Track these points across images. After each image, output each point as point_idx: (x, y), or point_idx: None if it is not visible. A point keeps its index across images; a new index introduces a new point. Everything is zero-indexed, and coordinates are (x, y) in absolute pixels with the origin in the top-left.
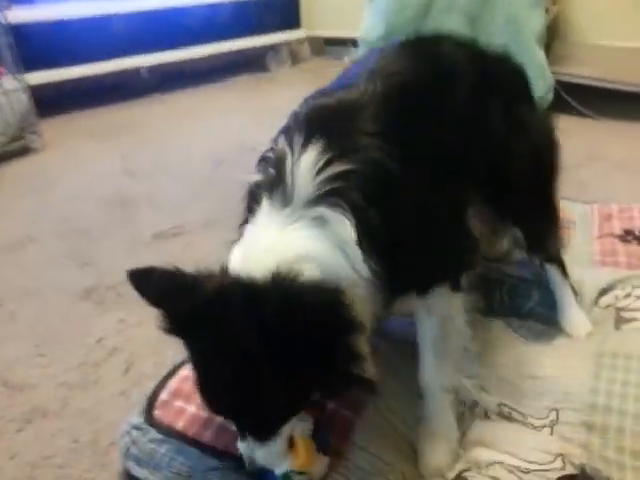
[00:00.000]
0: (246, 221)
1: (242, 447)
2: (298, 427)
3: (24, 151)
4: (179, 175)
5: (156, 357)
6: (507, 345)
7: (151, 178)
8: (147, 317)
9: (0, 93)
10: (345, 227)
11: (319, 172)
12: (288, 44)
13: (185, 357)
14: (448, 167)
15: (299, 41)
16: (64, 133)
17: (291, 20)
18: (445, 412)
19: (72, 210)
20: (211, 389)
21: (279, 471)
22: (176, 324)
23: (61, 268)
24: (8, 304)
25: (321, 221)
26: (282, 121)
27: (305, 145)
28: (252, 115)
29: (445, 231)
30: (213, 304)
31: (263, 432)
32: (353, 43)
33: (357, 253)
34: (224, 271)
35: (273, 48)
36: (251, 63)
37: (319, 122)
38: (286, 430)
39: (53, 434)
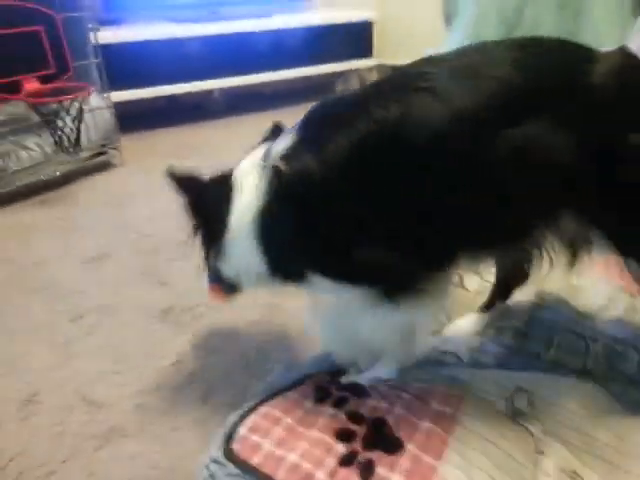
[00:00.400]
0: None
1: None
2: None
3: (105, 166)
4: None
5: (233, 388)
6: (608, 416)
7: None
8: (222, 344)
9: (87, 110)
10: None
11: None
12: (357, 71)
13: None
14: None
15: (368, 68)
16: (142, 150)
17: (363, 48)
18: None
19: (148, 228)
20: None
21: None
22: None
23: (137, 286)
24: (88, 318)
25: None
26: None
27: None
28: None
29: None
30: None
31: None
32: None
33: None
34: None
35: (342, 74)
36: (319, 89)
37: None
38: None
39: (131, 457)
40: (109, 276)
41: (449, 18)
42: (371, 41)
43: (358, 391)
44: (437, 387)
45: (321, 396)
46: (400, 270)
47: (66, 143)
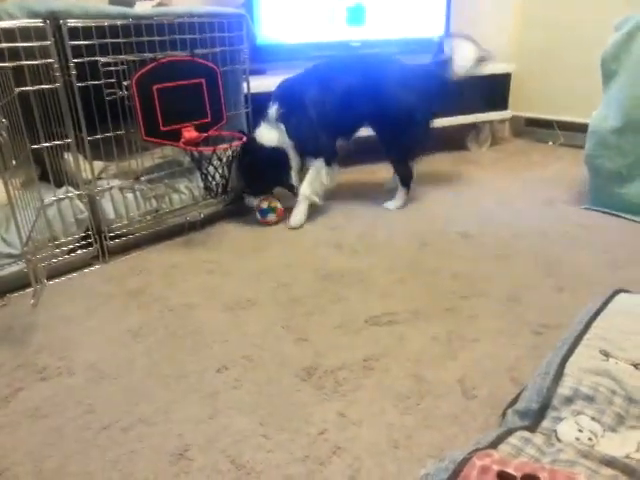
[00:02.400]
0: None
1: (249, 200)
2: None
3: (247, 210)
4: (384, 254)
5: (380, 469)
6: None
7: (357, 253)
8: (368, 415)
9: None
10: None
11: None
12: (490, 123)
13: None
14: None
15: (502, 121)
16: (283, 197)
17: (499, 100)
18: (302, 205)
19: (288, 277)
20: (250, 179)
21: (264, 205)
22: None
23: (279, 339)
24: (233, 371)
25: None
26: (479, 206)
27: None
28: (450, 195)
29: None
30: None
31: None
32: (558, 126)
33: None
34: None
35: (475, 127)
36: (451, 140)
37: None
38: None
39: None
40: (251, 325)
41: (608, 77)
42: (507, 93)
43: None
44: None
45: None
46: (330, 149)
47: (214, 188)
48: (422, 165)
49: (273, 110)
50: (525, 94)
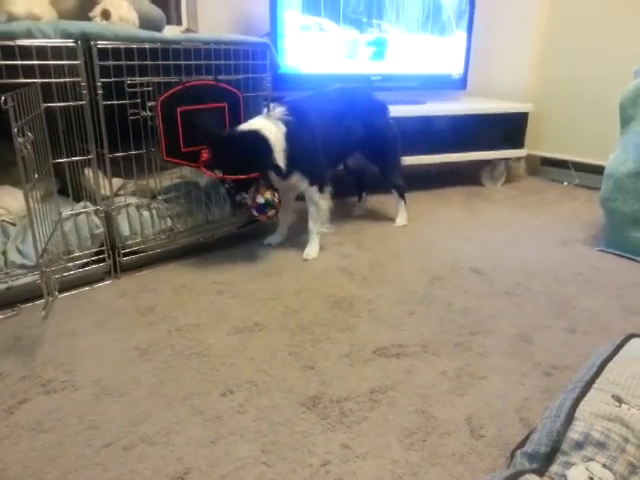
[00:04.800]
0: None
1: (241, 197)
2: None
3: (263, 233)
4: (394, 285)
5: None
6: None
7: (368, 282)
8: (373, 448)
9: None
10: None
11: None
12: (506, 160)
13: None
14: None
15: (517, 159)
16: (296, 225)
17: (515, 139)
18: (315, 240)
19: (297, 303)
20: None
21: (260, 200)
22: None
23: (286, 365)
24: (238, 395)
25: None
26: (492, 243)
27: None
28: (463, 230)
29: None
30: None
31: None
32: (573, 166)
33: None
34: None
35: (490, 163)
36: (465, 175)
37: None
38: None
39: None
40: (258, 350)
41: (626, 121)
42: (524, 132)
43: None
44: None
45: None
46: (325, 176)
47: (231, 209)
48: (436, 199)
49: (278, 111)
50: (541, 133)
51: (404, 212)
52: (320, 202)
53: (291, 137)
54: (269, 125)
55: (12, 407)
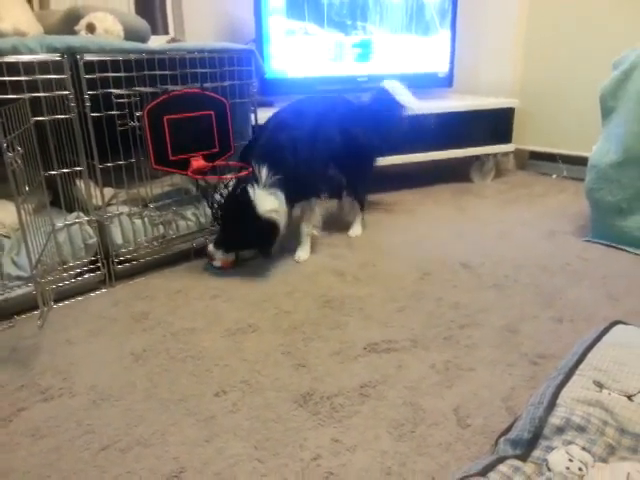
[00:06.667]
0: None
1: (211, 248)
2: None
3: None
4: (385, 283)
5: None
6: None
7: (359, 281)
8: (362, 441)
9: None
10: (279, 193)
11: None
12: (494, 156)
13: None
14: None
15: (505, 154)
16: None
17: (503, 134)
18: (306, 242)
19: (290, 304)
20: (223, 229)
21: (216, 264)
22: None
23: (278, 365)
24: (231, 395)
25: (272, 191)
26: (482, 238)
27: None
28: (453, 226)
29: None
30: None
31: (227, 250)
32: (561, 159)
33: (283, 202)
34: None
35: (479, 159)
36: (454, 172)
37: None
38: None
39: None
40: (251, 351)
41: (607, 113)
42: (511, 127)
43: None
44: None
45: None
46: (320, 186)
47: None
48: (426, 196)
49: (264, 175)
50: (528, 128)
51: (359, 224)
52: (315, 208)
53: (291, 192)
54: (271, 199)
55: (11, 415)
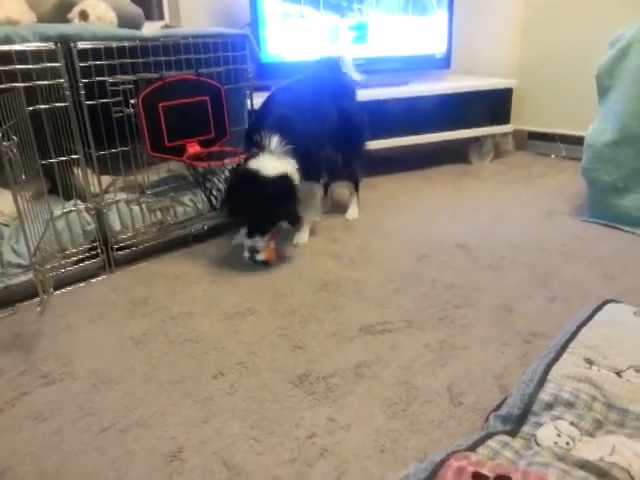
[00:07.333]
0: (252, 155)
1: (248, 241)
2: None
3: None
4: (381, 265)
5: (365, 472)
6: None
7: (356, 264)
8: (357, 419)
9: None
10: (290, 159)
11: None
12: (493, 137)
13: None
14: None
15: (504, 134)
16: None
17: (501, 114)
18: (306, 227)
19: (287, 287)
20: (245, 213)
21: (259, 257)
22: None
23: (275, 347)
24: (229, 377)
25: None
26: (479, 219)
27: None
28: (451, 208)
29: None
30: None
31: (262, 232)
32: (560, 139)
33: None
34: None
35: (478, 140)
36: (453, 153)
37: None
38: (269, 234)
39: None
40: (248, 334)
41: (603, 92)
42: (509, 108)
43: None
44: None
45: None
46: (322, 169)
47: (216, 201)
48: (425, 178)
49: (275, 142)
50: (527, 108)
51: (356, 205)
52: (318, 193)
53: (303, 163)
54: (278, 162)
55: (14, 399)
